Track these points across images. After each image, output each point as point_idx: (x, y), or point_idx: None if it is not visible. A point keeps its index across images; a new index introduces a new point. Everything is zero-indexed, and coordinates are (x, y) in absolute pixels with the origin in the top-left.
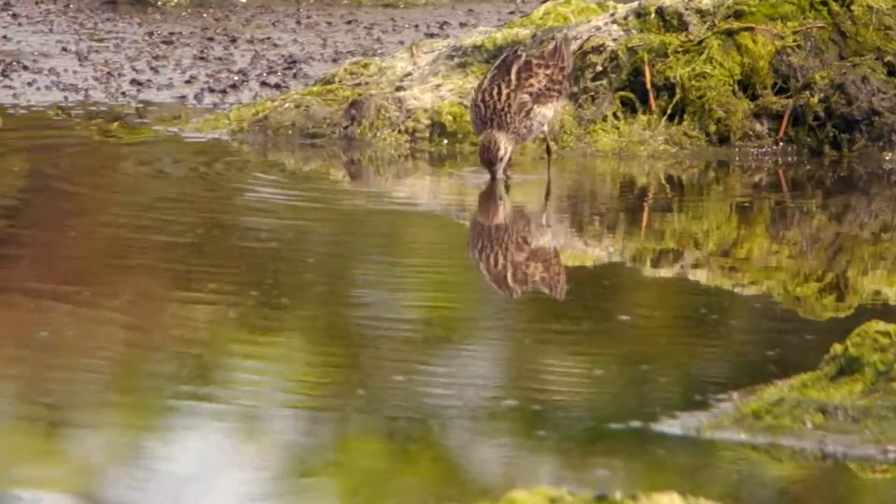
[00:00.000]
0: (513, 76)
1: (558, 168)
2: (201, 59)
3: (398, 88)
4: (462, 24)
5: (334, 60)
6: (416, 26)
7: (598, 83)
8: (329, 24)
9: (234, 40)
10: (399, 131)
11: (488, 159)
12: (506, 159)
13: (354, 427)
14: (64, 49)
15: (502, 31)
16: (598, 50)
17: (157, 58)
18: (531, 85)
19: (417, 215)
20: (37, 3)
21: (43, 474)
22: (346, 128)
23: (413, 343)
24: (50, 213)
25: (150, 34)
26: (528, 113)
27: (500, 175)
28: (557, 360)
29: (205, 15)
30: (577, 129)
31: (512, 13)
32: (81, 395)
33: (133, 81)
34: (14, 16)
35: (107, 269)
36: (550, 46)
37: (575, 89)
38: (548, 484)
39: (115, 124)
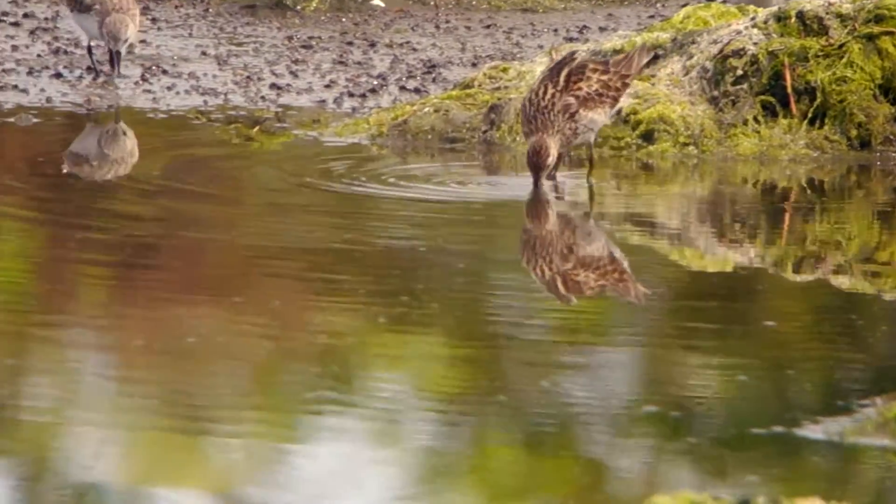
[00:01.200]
0: (562, 78)
1: (700, 172)
2: (341, 63)
3: None
4: (601, 29)
5: (473, 65)
6: (555, 30)
7: (738, 87)
8: (468, 28)
9: (373, 45)
10: None
11: (536, 164)
12: (552, 166)
13: (494, 431)
14: (203, 53)
15: (642, 34)
16: (738, 54)
17: (296, 62)
18: (579, 88)
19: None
20: (176, 7)
21: (186, 478)
22: (485, 132)
23: (554, 347)
24: (192, 219)
25: (290, 38)
26: (572, 115)
27: (542, 181)
28: (699, 365)
29: (344, 19)
30: (717, 133)
31: (652, 17)
32: (224, 400)
33: (272, 86)
34: (153, 20)
35: (250, 275)
36: (623, 55)
37: (715, 93)
38: (690, 489)
39: (255, 129)
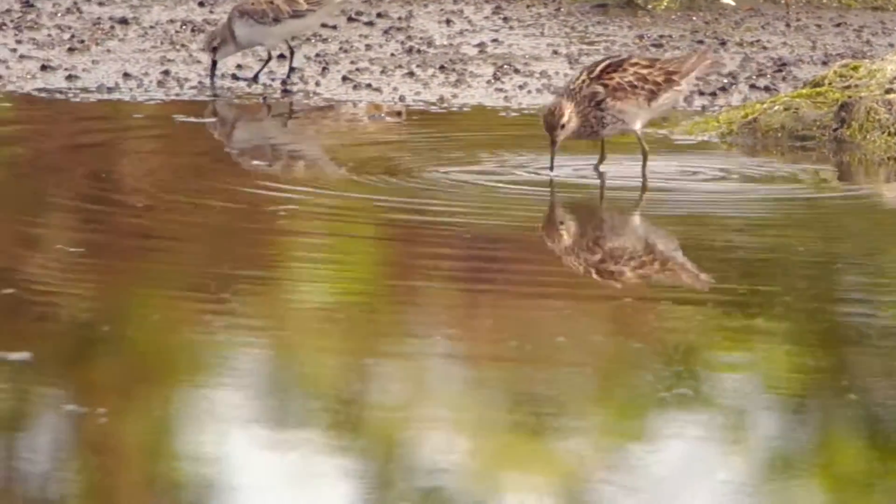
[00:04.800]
0: (598, 68)
1: None
2: None
3: (888, 91)
4: None
5: (824, 63)
6: None
7: None
8: (818, 26)
9: (723, 43)
10: (889, 133)
11: (550, 123)
12: (568, 129)
13: (839, 428)
14: (555, 52)
15: None
16: None
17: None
18: (611, 78)
19: None
20: (528, 6)
21: (528, 479)
22: (835, 130)
23: None
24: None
25: (640, 37)
26: (598, 103)
27: (558, 140)
28: None
29: (694, 18)
30: None
31: None
32: (564, 400)
33: None
34: (505, 19)
35: (587, 273)
36: (685, 54)
37: None
38: None
39: None
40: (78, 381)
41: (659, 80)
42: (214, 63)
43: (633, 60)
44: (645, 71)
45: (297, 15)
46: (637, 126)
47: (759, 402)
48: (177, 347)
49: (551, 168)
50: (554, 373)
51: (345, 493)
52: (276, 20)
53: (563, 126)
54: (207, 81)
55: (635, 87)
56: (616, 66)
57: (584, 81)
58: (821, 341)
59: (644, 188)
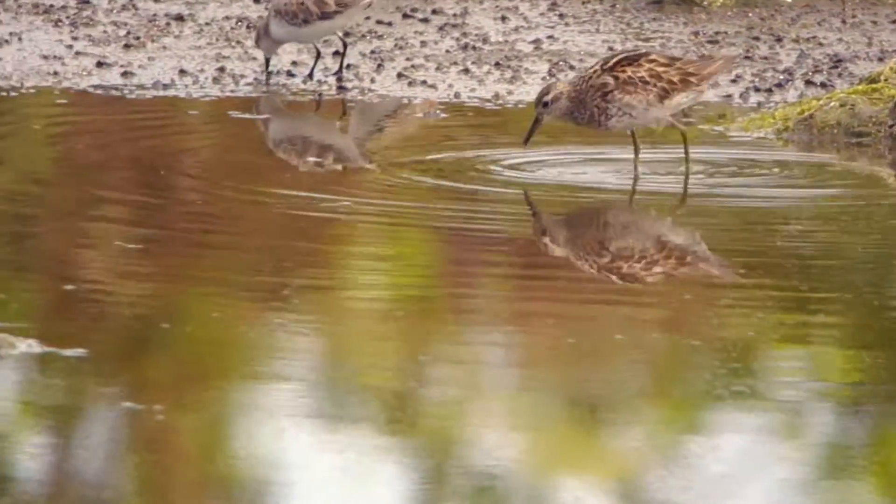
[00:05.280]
0: (613, 60)
1: None
2: (747, 58)
3: None
4: None
5: (880, 59)
6: None
7: None
8: (874, 22)
9: (779, 39)
10: None
11: (538, 98)
12: (553, 108)
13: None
14: (610, 48)
15: None
16: None
17: (702, 58)
18: (623, 71)
19: None
20: (584, 3)
21: (582, 468)
22: (890, 126)
23: None
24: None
25: (696, 34)
26: (605, 95)
27: (542, 117)
28: None
29: (750, 14)
30: None
31: None
32: (621, 394)
33: None
34: (561, 16)
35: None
36: (710, 56)
37: None
38: None
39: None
40: (134, 378)
41: (674, 79)
42: (267, 59)
43: (652, 57)
44: (661, 69)
45: (325, 16)
46: (654, 122)
47: (817, 397)
48: (233, 345)
49: (524, 144)
50: (611, 370)
51: (400, 490)
52: (306, 21)
53: (545, 104)
54: (263, 78)
55: (647, 83)
56: (632, 60)
57: (596, 72)
58: (879, 340)
59: (687, 174)
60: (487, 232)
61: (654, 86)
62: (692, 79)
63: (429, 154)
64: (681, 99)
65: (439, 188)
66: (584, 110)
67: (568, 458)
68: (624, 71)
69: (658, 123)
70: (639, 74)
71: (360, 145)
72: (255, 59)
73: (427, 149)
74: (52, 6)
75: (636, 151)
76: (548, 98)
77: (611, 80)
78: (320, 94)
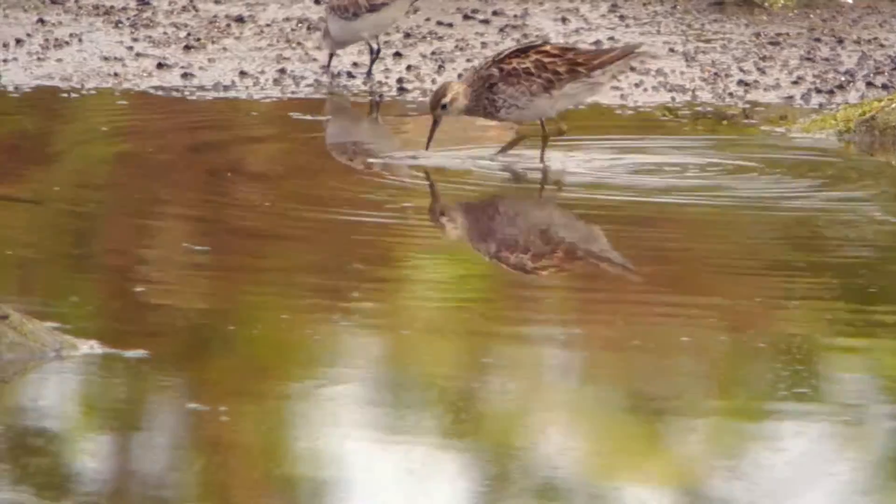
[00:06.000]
0: (505, 52)
1: None
2: (808, 59)
3: None
4: None
5: None
6: None
7: None
8: None
9: (840, 41)
10: None
11: (431, 103)
12: (450, 109)
13: None
14: (671, 50)
15: None
16: None
17: (763, 59)
18: (509, 63)
19: None
20: (644, 4)
21: (644, 470)
22: None
23: None
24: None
25: (757, 35)
26: (491, 87)
27: (438, 118)
28: None
29: (811, 16)
30: None
31: None
32: (683, 393)
33: (740, 82)
34: (621, 17)
35: (705, 273)
36: (607, 48)
37: None
38: None
39: (723, 124)
40: (197, 379)
41: (560, 69)
42: (330, 56)
43: (545, 48)
44: (548, 59)
45: (373, 8)
46: (546, 113)
47: (878, 399)
48: (297, 346)
49: (427, 147)
50: (675, 371)
51: (463, 491)
52: (356, 14)
53: (443, 106)
54: (323, 79)
55: (531, 74)
56: (522, 51)
57: (486, 64)
58: None
59: (546, 179)
60: (552, 228)
61: (539, 76)
62: (580, 69)
63: (491, 152)
64: (569, 90)
65: (503, 183)
66: (479, 105)
67: (631, 458)
68: (510, 62)
69: (549, 114)
70: (523, 66)
71: (421, 145)
72: (315, 60)
73: (487, 148)
74: (112, 7)
75: (544, 140)
76: (445, 100)
77: (496, 72)
78: (381, 96)
